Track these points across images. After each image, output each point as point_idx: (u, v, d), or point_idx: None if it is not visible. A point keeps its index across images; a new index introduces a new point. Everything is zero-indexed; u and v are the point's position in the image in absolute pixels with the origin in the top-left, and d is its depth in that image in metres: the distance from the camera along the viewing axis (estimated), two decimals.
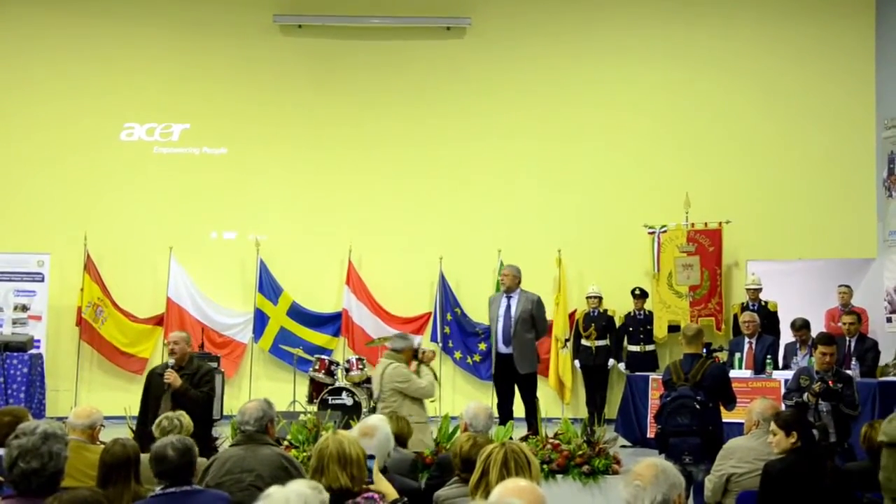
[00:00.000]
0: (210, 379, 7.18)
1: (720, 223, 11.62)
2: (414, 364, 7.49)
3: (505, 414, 8.56)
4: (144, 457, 4.41)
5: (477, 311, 11.86)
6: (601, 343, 11.44)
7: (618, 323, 11.56)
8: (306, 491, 2.89)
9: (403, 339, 7.61)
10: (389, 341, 7.76)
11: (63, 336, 11.85)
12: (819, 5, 12.33)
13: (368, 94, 12.48)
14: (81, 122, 12.25)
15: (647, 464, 3.11)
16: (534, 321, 8.77)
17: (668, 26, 12.42)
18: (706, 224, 11.65)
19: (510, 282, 8.83)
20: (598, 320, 11.46)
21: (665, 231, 11.72)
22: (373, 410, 7.56)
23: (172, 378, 6.88)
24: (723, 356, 9.74)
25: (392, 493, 4.15)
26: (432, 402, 8.39)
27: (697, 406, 6.46)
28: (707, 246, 11.64)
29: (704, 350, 7.20)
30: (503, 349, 8.70)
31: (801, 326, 9.69)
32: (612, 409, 10.98)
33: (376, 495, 3.73)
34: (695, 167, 12.09)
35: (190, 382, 6.98)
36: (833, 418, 6.65)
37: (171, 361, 6.99)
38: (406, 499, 4.23)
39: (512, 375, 8.69)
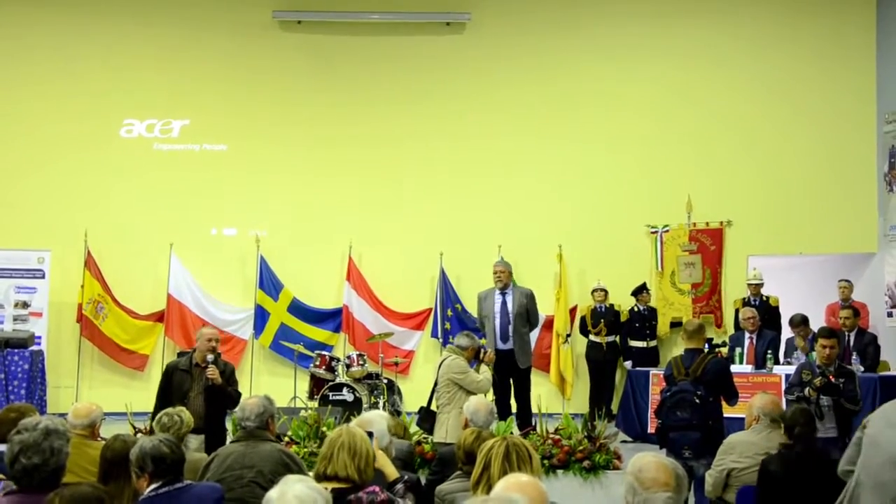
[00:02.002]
0: (236, 378, 7.25)
1: (721, 223, 11.65)
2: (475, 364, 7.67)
3: (504, 409, 8.58)
4: None
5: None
6: (610, 339, 11.46)
7: (621, 319, 11.57)
8: (313, 494, 2.88)
9: (469, 338, 7.71)
10: (456, 338, 7.84)
11: (64, 333, 11.84)
12: (819, 1, 12.31)
13: (368, 90, 12.47)
14: (81, 118, 12.23)
15: (659, 466, 2.99)
16: (528, 315, 8.85)
17: (670, 23, 12.39)
18: (707, 223, 11.70)
19: (507, 278, 8.89)
20: (606, 315, 11.46)
21: (668, 230, 11.78)
22: (430, 399, 7.75)
23: (216, 375, 6.86)
24: (725, 351, 9.74)
25: (393, 473, 4.17)
26: None
27: (697, 401, 6.47)
28: (708, 245, 11.70)
29: (707, 345, 7.21)
30: (501, 345, 8.71)
31: (799, 323, 9.70)
32: (616, 405, 10.99)
33: (377, 488, 3.75)
34: (695, 163, 12.08)
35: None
36: (834, 413, 6.64)
37: (212, 357, 6.92)
38: (407, 476, 4.24)
39: (510, 371, 8.71)
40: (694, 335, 6.88)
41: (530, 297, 8.92)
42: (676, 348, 11.09)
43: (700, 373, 6.60)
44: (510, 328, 8.72)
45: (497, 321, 8.78)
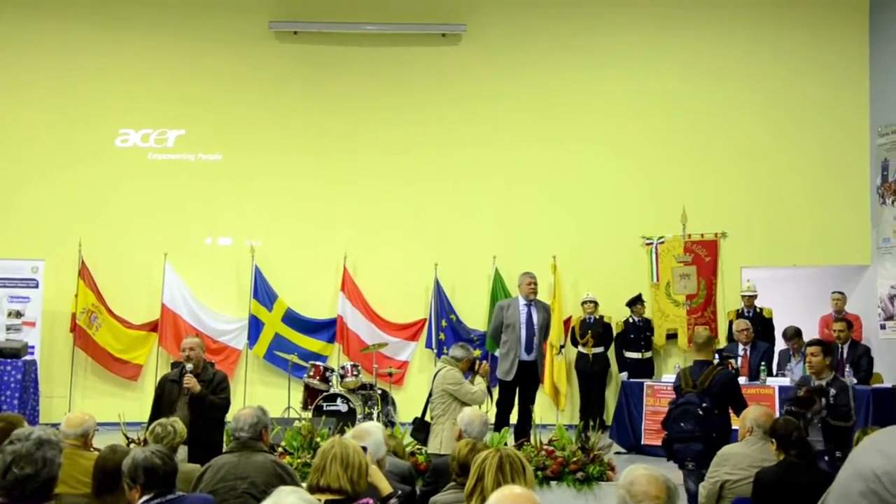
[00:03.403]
0: (227, 385, 7.15)
1: (716, 234, 11.66)
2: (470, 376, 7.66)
3: (507, 420, 8.56)
4: None
5: (472, 317, 11.86)
6: (598, 350, 11.47)
7: (616, 330, 11.59)
8: None
9: (464, 349, 7.71)
10: (451, 349, 7.83)
11: (57, 342, 11.80)
12: (814, 15, 12.38)
13: (364, 101, 12.50)
14: (76, 128, 12.24)
15: (650, 479, 2.95)
16: (545, 329, 8.94)
17: (664, 35, 12.45)
18: (703, 235, 11.69)
19: (537, 290, 8.91)
20: (594, 327, 11.49)
21: (663, 242, 11.77)
22: (424, 410, 7.76)
23: (193, 383, 6.81)
24: (734, 363, 9.71)
25: (386, 488, 4.16)
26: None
27: (700, 412, 6.47)
28: (703, 256, 11.67)
29: (717, 356, 7.20)
30: (525, 356, 8.71)
31: (792, 335, 9.71)
32: (609, 416, 10.97)
33: (371, 501, 3.73)
34: (690, 175, 12.12)
35: (206, 388, 6.92)
36: (821, 427, 6.62)
37: (190, 367, 6.88)
38: (400, 492, 4.23)
39: (526, 381, 8.71)
40: (703, 347, 6.90)
41: (548, 311, 9.06)
42: (672, 360, 11.12)
43: (707, 385, 6.61)
44: (535, 340, 8.74)
45: (523, 332, 8.75)
